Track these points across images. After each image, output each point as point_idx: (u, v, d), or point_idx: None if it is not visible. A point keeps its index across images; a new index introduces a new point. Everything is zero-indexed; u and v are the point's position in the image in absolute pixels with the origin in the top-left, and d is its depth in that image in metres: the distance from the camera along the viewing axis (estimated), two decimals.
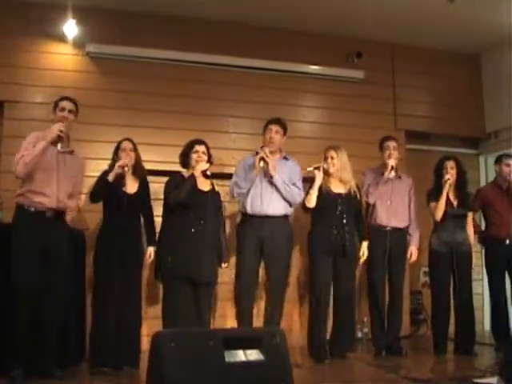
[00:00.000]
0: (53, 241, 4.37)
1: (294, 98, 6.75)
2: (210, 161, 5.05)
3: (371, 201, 5.55)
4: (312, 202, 5.19)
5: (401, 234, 5.58)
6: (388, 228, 5.51)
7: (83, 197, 5.46)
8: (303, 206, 5.27)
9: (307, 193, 5.23)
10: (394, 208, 5.54)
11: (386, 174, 5.48)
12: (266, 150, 5.16)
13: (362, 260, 5.42)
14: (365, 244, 5.41)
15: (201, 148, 5.02)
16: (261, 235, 5.11)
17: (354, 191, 5.32)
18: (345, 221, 5.20)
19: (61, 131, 4.35)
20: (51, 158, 4.41)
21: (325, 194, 5.22)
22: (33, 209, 4.34)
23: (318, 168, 5.20)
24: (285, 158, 5.38)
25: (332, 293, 5.27)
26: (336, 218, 5.20)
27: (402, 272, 5.61)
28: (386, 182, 5.53)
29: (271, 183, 5.18)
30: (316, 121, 6.80)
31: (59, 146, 4.38)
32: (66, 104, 4.54)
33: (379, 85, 7.00)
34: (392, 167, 5.46)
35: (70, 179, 4.54)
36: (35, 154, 4.29)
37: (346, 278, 5.26)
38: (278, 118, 5.39)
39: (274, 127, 5.28)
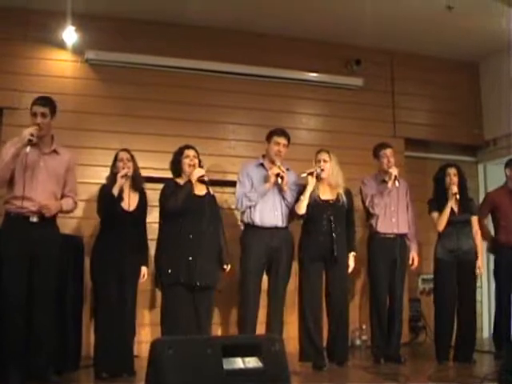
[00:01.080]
0: (40, 245, 4.30)
1: (293, 105, 6.76)
2: (200, 166, 5.04)
3: (377, 211, 5.51)
4: (302, 209, 5.15)
5: (403, 241, 5.58)
6: (392, 235, 5.51)
7: (81, 204, 5.48)
8: (294, 213, 5.22)
9: (297, 199, 5.21)
10: (396, 214, 5.52)
11: (390, 184, 5.43)
12: (279, 163, 5.14)
13: (349, 270, 5.36)
14: (351, 255, 5.34)
15: (191, 152, 5.00)
16: (271, 246, 5.12)
17: (342, 197, 5.27)
18: (333, 228, 5.14)
19: (32, 135, 4.20)
20: (32, 161, 4.33)
21: (313, 201, 5.19)
22: (17, 214, 4.28)
23: (311, 174, 5.17)
24: (287, 169, 5.37)
25: (325, 301, 5.25)
26: (325, 226, 5.16)
27: (403, 279, 5.61)
28: (390, 192, 5.51)
29: (281, 195, 5.21)
30: (315, 128, 6.80)
31: (28, 148, 4.19)
32: (36, 109, 4.35)
33: (378, 92, 7.02)
34: (395, 177, 5.42)
35: (54, 180, 4.46)
36: (6, 162, 4.23)
37: (339, 285, 5.22)
38: (283, 129, 5.37)
39: (282, 141, 5.26)
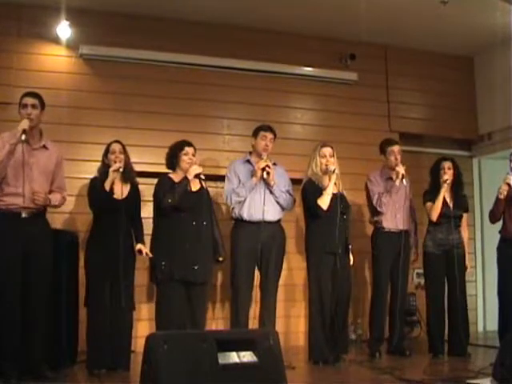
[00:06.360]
0: (32, 241, 4.28)
1: (288, 99, 6.76)
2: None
3: (384, 210, 5.52)
4: (325, 204, 5.09)
5: (407, 236, 5.61)
6: (397, 230, 5.53)
7: (73, 199, 5.47)
8: (317, 207, 5.10)
9: (321, 194, 5.13)
10: (401, 211, 5.55)
11: (398, 182, 5.45)
12: (265, 157, 5.17)
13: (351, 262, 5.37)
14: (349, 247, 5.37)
15: (190, 150, 5.00)
16: (260, 240, 5.10)
17: (343, 191, 5.31)
18: (344, 220, 5.22)
19: (24, 130, 4.21)
20: (22, 156, 4.26)
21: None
22: (7, 211, 4.26)
23: (333, 171, 5.13)
24: (274, 164, 5.38)
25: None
26: (337, 218, 5.14)
27: (407, 271, 5.63)
28: (398, 191, 5.52)
29: (268, 190, 5.20)
30: (309, 123, 6.80)
31: (23, 136, 4.19)
32: (27, 100, 4.37)
33: (373, 87, 7.01)
34: (403, 175, 5.43)
35: (44, 176, 4.43)
36: (1, 160, 4.19)
37: (346, 278, 5.24)
38: (268, 125, 5.42)
39: (269, 135, 5.32)
